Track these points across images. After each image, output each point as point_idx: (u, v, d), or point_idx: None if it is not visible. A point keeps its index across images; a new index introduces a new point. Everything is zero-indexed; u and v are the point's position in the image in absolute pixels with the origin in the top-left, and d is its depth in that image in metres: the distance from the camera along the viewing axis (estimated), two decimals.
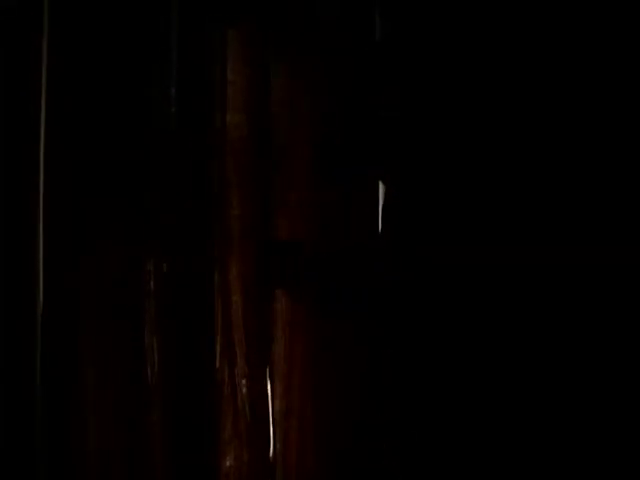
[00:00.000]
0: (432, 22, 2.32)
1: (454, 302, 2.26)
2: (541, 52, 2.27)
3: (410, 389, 2.31)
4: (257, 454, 2.31)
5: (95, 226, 2.24)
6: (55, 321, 2.22)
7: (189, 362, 2.26)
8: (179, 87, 2.27)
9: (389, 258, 2.31)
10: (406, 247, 2.30)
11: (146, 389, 2.24)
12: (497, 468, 2.24)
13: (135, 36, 2.26)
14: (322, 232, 2.33)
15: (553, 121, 2.26)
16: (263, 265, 2.32)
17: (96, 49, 2.25)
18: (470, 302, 2.25)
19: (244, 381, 2.30)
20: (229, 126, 2.29)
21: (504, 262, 2.24)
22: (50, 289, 2.22)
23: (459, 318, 2.26)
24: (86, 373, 2.22)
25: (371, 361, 2.34)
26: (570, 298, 2.22)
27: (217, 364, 2.28)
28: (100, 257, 2.24)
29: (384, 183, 2.34)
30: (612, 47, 2.25)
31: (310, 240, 2.33)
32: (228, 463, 2.29)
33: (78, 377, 2.22)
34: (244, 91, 2.30)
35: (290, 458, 2.32)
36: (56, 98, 2.25)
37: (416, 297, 2.29)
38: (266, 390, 2.33)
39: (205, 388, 2.27)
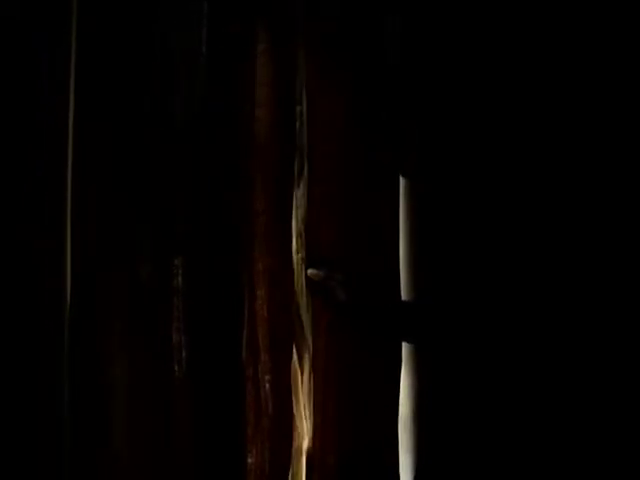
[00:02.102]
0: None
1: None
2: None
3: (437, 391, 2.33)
4: (279, 451, 2.30)
5: (122, 223, 2.22)
6: (83, 321, 2.19)
7: (216, 359, 2.25)
8: (207, 82, 2.27)
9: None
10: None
11: (173, 387, 2.22)
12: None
13: (163, 31, 2.26)
14: (351, 230, 2.35)
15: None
16: (288, 260, 2.32)
17: (122, 44, 2.24)
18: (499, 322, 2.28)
19: (267, 377, 2.29)
20: (256, 122, 2.30)
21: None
22: (78, 288, 2.19)
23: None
24: (114, 372, 2.19)
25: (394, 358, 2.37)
26: None
27: (243, 360, 2.28)
28: (128, 255, 2.22)
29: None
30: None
31: (337, 238, 2.34)
32: (251, 460, 2.28)
33: (105, 376, 2.19)
34: (271, 86, 2.31)
35: (314, 455, 2.31)
36: (83, 96, 2.23)
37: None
38: (289, 386, 2.32)
39: (231, 385, 2.26)
